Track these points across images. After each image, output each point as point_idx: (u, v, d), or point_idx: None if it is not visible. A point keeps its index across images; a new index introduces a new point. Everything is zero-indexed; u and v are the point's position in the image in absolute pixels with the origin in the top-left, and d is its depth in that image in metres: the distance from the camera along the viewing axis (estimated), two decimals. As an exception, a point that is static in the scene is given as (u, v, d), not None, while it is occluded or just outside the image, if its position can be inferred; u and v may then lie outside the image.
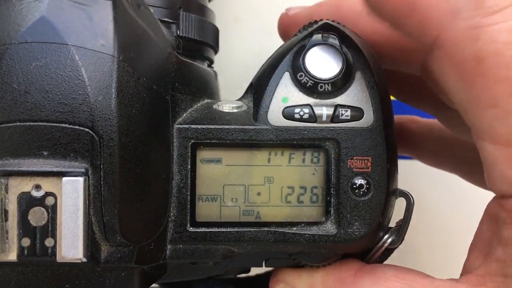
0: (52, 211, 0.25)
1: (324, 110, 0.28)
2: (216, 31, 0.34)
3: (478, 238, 0.27)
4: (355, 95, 0.28)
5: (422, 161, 0.39)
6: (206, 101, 0.31)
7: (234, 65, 0.43)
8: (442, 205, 0.45)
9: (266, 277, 0.33)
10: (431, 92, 0.32)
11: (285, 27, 0.34)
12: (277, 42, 0.32)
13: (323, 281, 0.29)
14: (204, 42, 0.32)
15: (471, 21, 0.24)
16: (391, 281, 0.27)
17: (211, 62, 0.35)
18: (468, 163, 0.36)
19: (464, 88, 0.25)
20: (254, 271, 0.36)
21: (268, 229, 0.29)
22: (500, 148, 0.24)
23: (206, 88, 0.32)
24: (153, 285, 0.36)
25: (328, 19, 0.30)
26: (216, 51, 0.35)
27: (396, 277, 0.27)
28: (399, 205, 0.30)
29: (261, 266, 0.32)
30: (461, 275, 0.27)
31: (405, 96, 0.37)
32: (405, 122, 0.39)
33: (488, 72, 0.24)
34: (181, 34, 0.31)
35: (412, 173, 0.41)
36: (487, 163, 0.25)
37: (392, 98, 0.40)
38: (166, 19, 0.30)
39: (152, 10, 0.29)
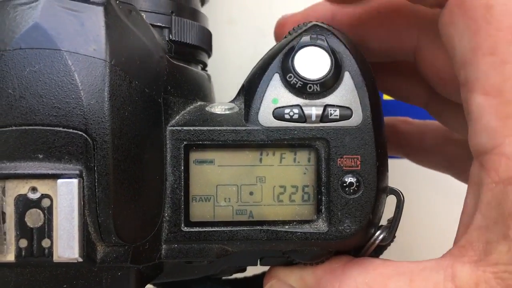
0: (48, 212, 0.25)
1: (313, 110, 0.29)
2: (209, 35, 0.35)
3: (463, 214, 0.27)
4: (343, 95, 0.29)
5: (414, 162, 0.40)
6: (199, 103, 0.31)
7: (229, 67, 0.43)
8: (432, 202, 0.45)
9: (263, 277, 0.34)
10: (423, 82, 0.32)
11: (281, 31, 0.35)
12: (271, 44, 0.32)
13: (314, 272, 0.30)
14: (197, 46, 0.33)
15: None
16: (379, 268, 0.27)
17: (204, 65, 0.35)
18: (459, 162, 0.36)
19: (469, 36, 0.25)
20: (252, 271, 0.37)
21: (261, 227, 0.29)
22: (489, 98, 0.24)
23: (199, 90, 0.32)
24: (151, 286, 0.37)
25: (318, 21, 0.30)
26: (209, 55, 0.36)
27: (384, 265, 0.28)
28: (391, 203, 0.30)
29: (256, 264, 0.32)
30: None
31: (398, 90, 0.37)
32: (397, 123, 0.39)
33: (494, 19, 0.24)
34: (174, 38, 0.31)
35: (403, 171, 0.41)
36: (473, 117, 0.25)
37: (384, 98, 0.41)
38: (158, 24, 0.31)
39: (144, 15, 0.30)
